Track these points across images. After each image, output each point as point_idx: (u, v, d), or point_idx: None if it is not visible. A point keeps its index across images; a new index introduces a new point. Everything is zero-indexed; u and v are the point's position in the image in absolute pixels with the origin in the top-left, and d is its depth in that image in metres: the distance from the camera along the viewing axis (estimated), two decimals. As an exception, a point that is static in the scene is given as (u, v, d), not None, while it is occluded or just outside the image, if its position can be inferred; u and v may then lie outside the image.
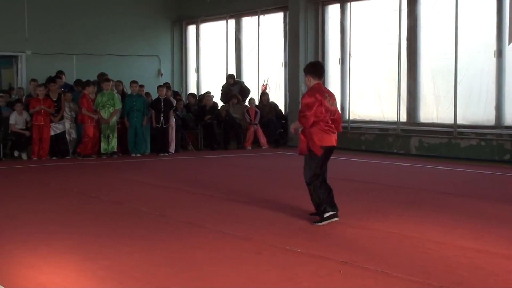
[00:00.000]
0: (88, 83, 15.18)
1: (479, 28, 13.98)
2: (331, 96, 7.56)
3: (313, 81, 7.52)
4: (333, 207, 7.41)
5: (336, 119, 7.54)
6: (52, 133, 14.51)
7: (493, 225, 7.30)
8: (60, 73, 16.70)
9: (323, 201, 7.39)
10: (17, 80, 18.60)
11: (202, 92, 20.03)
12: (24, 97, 15.99)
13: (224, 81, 18.89)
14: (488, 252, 6.08)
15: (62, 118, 14.73)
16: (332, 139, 7.46)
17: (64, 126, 14.71)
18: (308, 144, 7.40)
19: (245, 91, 18.36)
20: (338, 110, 7.69)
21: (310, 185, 7.48)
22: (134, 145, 15.30)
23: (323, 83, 7.69)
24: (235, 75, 19.10)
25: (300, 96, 16.91)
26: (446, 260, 5.80)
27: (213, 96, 17.81)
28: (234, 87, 18.29)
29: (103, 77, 15.85)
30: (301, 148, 7.50)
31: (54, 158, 14.47)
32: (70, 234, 6.94)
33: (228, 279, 5.29)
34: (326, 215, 7.36)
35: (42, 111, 14.30)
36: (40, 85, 14.83)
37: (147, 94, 16.72)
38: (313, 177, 7.43)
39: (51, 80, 15.35)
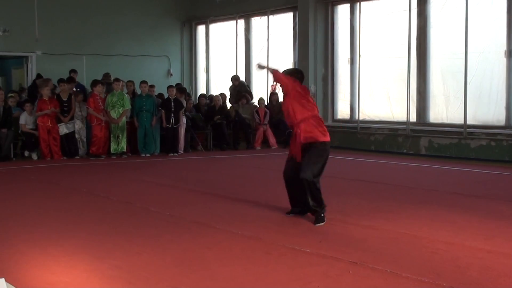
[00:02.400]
0: (96, 82, 15.17)
1: (489, 28, 13.92)
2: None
3: None
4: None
5: None
6: (62, 132, 14.55)
7: (504, 226, 7.27)
8: (73, 72, 16.78)
9: (322, 201, 7.45)
10: (28, 80, 18.68)
11: (212, 92, 20.10)
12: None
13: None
14: (499, 253, 6.06)
15: (72, 118, 14.78)
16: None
17: (74, 126, 14.76)
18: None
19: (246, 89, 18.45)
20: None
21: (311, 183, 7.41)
22: (143, 145, 15.33)
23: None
24: (239, 76, 19.07)
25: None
26: (457, 260, 5.78)
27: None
28: (240, 88, 18.29)
29: (107, 78, 15.69)
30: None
31: (64, 158, 14.52)
32: (80, 234, 6.96)
33: (237, 279, 5.29)
34: (324, 214, 7.44)
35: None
36: (44, 86, 14.90)
37: (160, 94, 16.74)
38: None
39: (60, 80, 15.39)
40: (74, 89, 15.50)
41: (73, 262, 5.80)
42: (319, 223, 7.30)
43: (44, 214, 8.18)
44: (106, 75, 17.32)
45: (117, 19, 19.89)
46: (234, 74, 19.26)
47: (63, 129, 14.55)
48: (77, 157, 14.64)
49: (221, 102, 17.54)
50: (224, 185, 10.53)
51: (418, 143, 15.06)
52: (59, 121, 14.58)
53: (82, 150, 14.88)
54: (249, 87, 18.82)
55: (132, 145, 15.48)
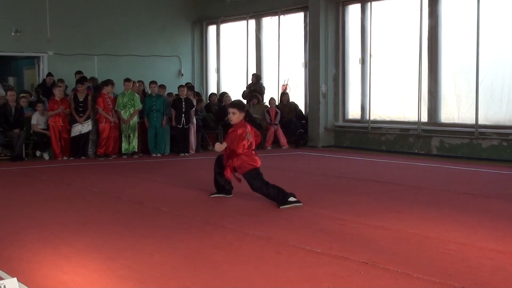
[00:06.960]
0: (106, 82, 15.20)
1: (501, 27, 13.87)
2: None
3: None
4: (292, 195, 8.40)
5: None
6: (74, 133, 14.59)
7: (516, 226, 7.24)
8: (78, 73, 16.79)
9: (279, 193, 8.38)
10: (39, 81, 18.76)
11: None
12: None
13: (245, 80, 18.93)
14: (510, 253, 6.02)
15: (88, 118, 14.81)
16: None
17: (89, 126, 14.78)
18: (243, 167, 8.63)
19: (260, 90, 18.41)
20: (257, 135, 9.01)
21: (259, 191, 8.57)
22: (154, 145, 15.37)
23: None
24: (260, 75, 19.06)
25: (321, 97, 16.96)
26: (468, 261, 5.76)
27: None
28: (255, 88, 18.28)
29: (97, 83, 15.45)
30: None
31: (73, 158, 14.56)
32: (91, 234, 6.98)
33: (247, 279, 5.30)
34: (291, 199, 8.34)
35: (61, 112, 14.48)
36: (58, 86, 14.99)
37: (170, 94, 16.76)
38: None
39: (79, 81, 15.44)
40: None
41: (85, 262, 5.82)
42: (283, 205, 8.28)
43: (55, 214, 8.22)
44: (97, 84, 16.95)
45: (128, 19, 19.94)
46: (255, 72, 19.18)
47: (76, 130, 14.58)
48: (83, 157, 14.62)
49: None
50: (234, 185, 10.51)
51: (429, 143, 15.02)
52: (74, 121, 14.62)
53: (91, 150, 14.93)
54: (264, 89, 18.64)
55: (144, 145, 15.52)
